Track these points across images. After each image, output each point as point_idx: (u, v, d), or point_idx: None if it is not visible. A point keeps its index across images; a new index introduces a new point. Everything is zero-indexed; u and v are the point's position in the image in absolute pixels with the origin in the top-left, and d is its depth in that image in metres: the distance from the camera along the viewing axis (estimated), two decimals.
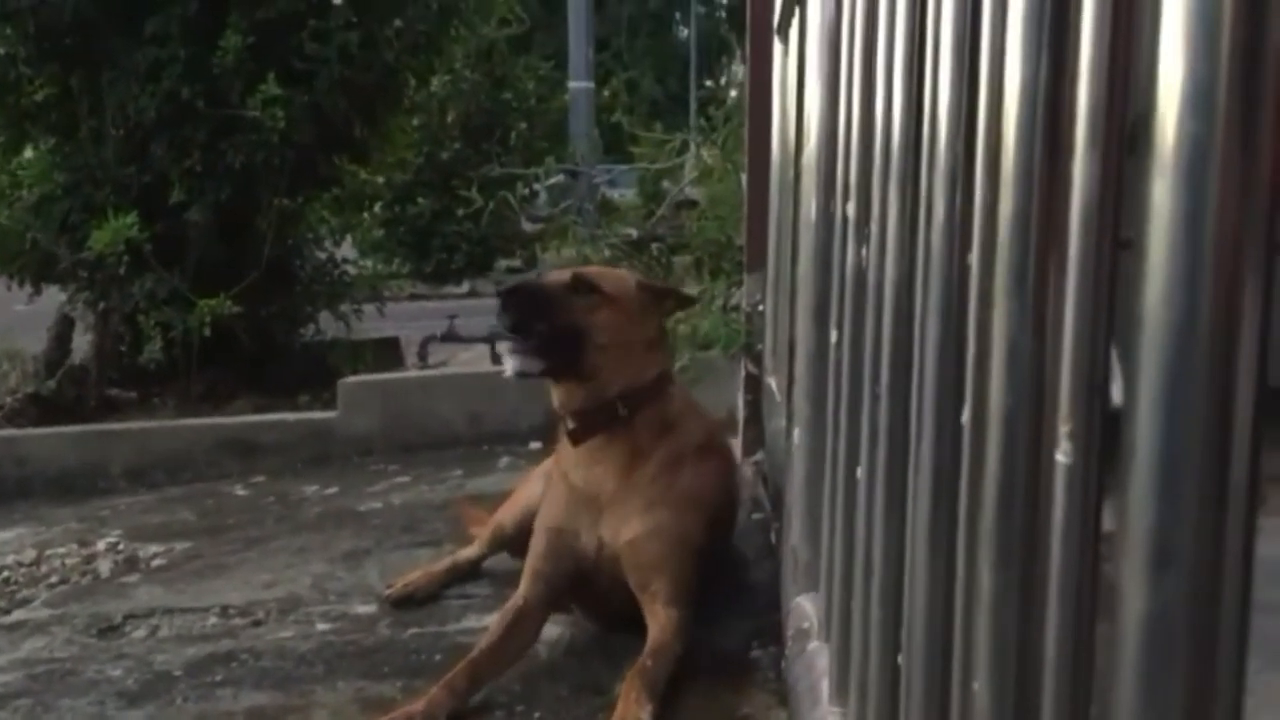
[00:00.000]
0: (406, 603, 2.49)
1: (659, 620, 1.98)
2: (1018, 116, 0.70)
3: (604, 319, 2.09)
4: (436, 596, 2.53)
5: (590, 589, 2.15)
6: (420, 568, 2.64)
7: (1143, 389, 0.49)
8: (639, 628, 2.01)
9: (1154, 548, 0.48)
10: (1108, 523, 0.59)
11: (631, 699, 1.78)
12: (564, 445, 2.19)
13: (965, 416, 0.76)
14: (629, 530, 2.07)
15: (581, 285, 2.10)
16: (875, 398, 1.11)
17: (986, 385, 0.71)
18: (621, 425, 2.10)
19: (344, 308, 5.78)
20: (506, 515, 2.56)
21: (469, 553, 2.64)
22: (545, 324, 2.03)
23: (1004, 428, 0.69)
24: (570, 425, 2.13)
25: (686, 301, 2.45)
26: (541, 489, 2.36)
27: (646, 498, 2.09)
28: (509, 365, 2.07)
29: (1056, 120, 0.68)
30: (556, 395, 2.14)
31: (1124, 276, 0.55)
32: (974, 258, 0.76)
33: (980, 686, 0.72)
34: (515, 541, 2.45)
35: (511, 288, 2.10)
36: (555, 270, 2.27)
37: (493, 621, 2.08)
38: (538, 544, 2.16)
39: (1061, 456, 0.63)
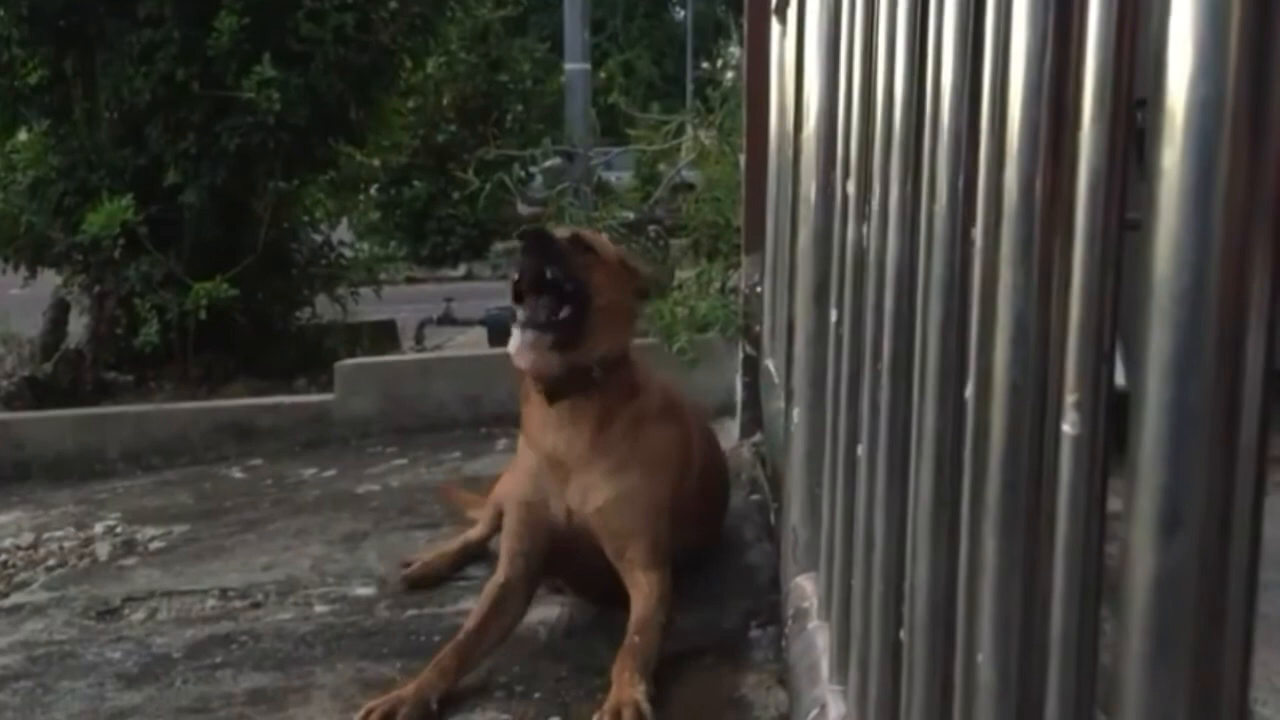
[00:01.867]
0: (423, 583, 2.50)
1: (640, 588, 2.00)
2: (1023, 87, 0.69)
3: (600, 280, 2.12)
4: (446, 577, 2.53)
5: (570, 560, 2.16)
6: (432, 548, 2.65)
7: (1153, 353, 0.49)
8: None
9: (1163, 510, 0.48)
10: (1113, 505, 0.59)
11: (625, 680, 1.78)
12: (531, 411, 2.19)
13: (969, 390, 0.75)
14: (597, 496, 2.08)
15: (579, 244, 2.17)
16: (876, 375, 1.11)
17: (991, 358, 0.71)
18: (595, 388, 2.12)
19: (340, 291, 5.77)
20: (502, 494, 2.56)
21: (476, 533, 2.65)
22: (559, 271, 2.06)
23: (1009, 400, 0.69)
24: (544, 387, 2.13)
25: (653, 289, 2.50)
26: None
27: (613, 460, 2.11)
28: (519, 339, 2.07)
29: (1062, 91, 0.67)
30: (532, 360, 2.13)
31: (1132, 244, 0.55)
32: (978, 231, 0.75)
33: (984, 659, 0.72)
34: None
35: (537, 232, 2.14)
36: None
37: (477, 602, 2.08)
38: (510, 520, 2.18)
39: (1068, 427, 0.63)
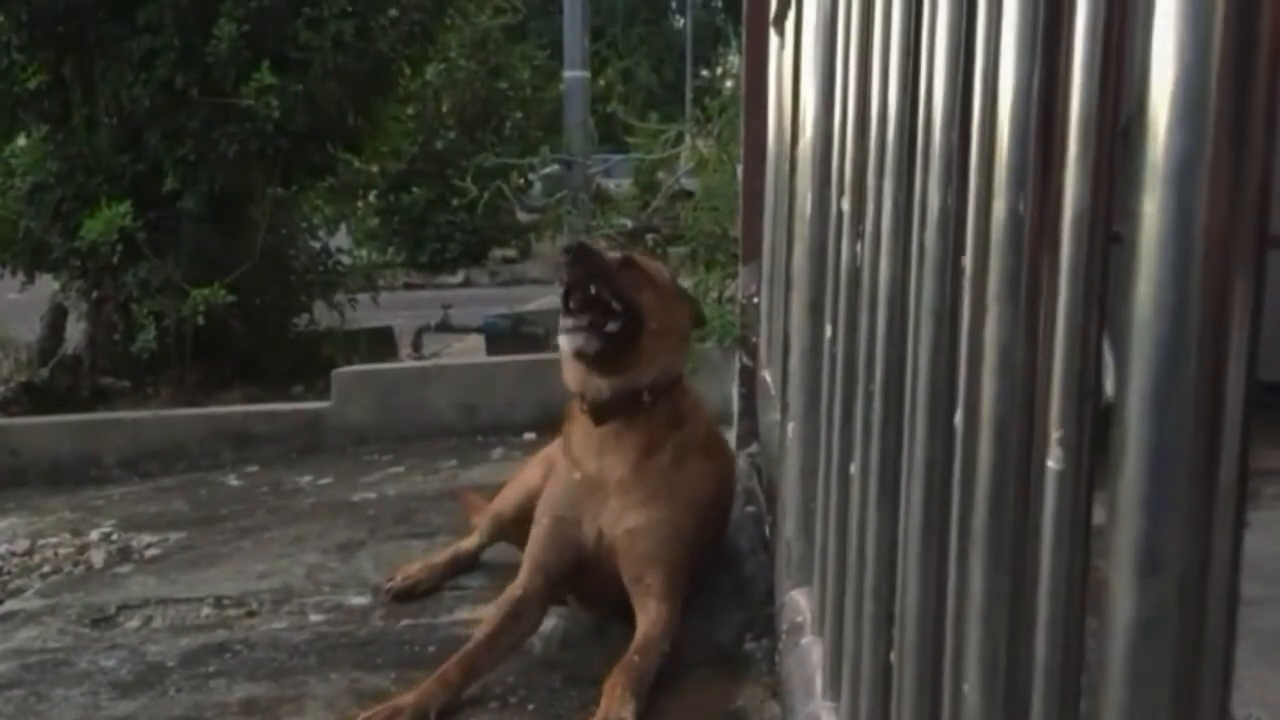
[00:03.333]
0: (407, 596, 2.47)
1: (649, 614, 1.98)
2: (1011, 115, 0.70)
3: (650, 301, 2.11)
4: (435, 588, 2.52)
5: (588, 580, 2.15)
6: (419, 559, 2.63)
7: (1133, 392, 0.49)
8: (634, 618, 2.01)
9: (1143, 553, 0.48)
10: (1098, 517, 0.59)
11: (615, 696, 1.77)
12: (574, 431, 2.19)
13: (957, 419, 0.76)
14: (629, 520, 2.07)
15: (629, 264, 2.15)
16: (869, 395, 1.11)
17: (979, 389, 0.71)
18: (642, 413, 2.11)
19: (338, 297, 5.77)
20: (505, 503, 2.54)
21: (469, 543, 2.62)
22: (605, 288, 2.04)
23: (995, 432, 0.69)
24: (591, 408, 2.12)
25: (700, 320, 2.48)
26: (541, 476, 2.36)
27: (652, 488, 2.09)
28: (567, 344, 2.07)
29: (1050, 120, 0.68)
30: (582, 381, 2.13)
31: (1116, 280, 0.55)
32: (967, 260, 0.76)
33: (970, 687, 0.72)
34: (515, 529, 2.43)
35: (580, 245, 2.11)
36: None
37: (489, 612, 2.06)
38: (539, 533, 2.15)
39: (1052, 463, 0.63)
